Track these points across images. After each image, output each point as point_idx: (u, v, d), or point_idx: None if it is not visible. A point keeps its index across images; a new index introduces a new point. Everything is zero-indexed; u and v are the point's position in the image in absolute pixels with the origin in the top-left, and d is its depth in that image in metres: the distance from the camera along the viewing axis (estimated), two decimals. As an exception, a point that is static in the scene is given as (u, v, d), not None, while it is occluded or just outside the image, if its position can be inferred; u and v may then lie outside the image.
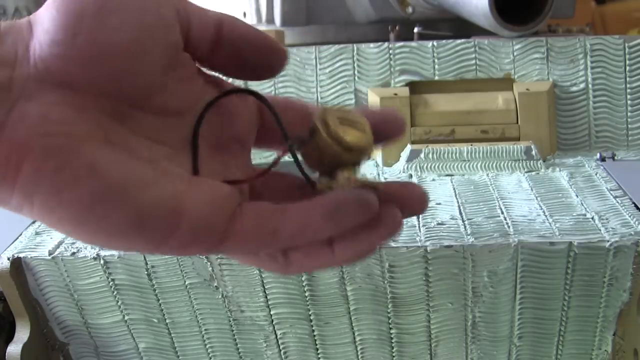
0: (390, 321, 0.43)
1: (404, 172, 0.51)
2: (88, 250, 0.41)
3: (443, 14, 0.67)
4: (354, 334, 0.44)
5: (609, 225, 0.41)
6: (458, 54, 0.55)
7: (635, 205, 0.43)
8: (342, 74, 0.56)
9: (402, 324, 0.43)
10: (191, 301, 0.43)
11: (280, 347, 0.45)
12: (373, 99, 0.54)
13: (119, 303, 0.43)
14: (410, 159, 0.51)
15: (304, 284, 0.42)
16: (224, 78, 0.29)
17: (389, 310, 0.43)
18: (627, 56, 0.54)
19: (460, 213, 0.43)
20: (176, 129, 0.27)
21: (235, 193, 0.27)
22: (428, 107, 0.54)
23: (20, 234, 0.44)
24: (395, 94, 0.53)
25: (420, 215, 0.43)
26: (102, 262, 0.41)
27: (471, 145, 0.51)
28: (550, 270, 0.40)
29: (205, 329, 0.45)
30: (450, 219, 0.43)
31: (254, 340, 0.45)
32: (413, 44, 0.56)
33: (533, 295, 0.42)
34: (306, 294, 0.42)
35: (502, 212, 0.43)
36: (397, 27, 0.68)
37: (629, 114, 0.54)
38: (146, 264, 0.42)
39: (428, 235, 0.41)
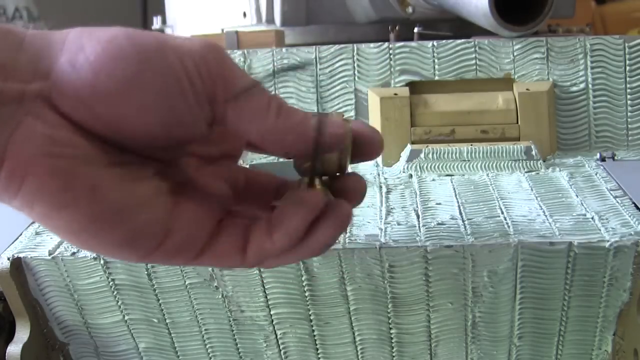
0: (390, 321, 0.43)
1: (404, 172, 0.51)
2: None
3: (443, 14, 0.67)
4: (354, 334, 0.44)
5: (609, 225, 0.41)
6: (458, 54, 0.55)
7: (635, 205, 0.43)
8: (342, 74, 0.56)
9: (402, 324, 0.44)
10: (191, 301, 0.43)
11: (280, 347, 0.45)
12: (373, 99, 0.54)
13: (119, 303, 0.43)
14: (410, 159, 0.51)
15: (304, 284, 0.42)
16: None
17: (389, 310, 0.43)
18: (627, 56, 0.54)
19: (460, 213, 0.43)
20: (171, 150, 0.29)
21: (216, 210, 0.29)
22: (428, 107, 0.54)
23: (20, 234, 0.44)
24: (395, 94, 0.53)
25: (421, 216, 0.43)
26: (102, 262, 0.41)
27: (471, 145, 0.51)
28: (550, 270, 0.40)
29: (205, 329, 0.45)
30: (450, 219, 0.43)
31: (254, 340, 0.45)
32: (413, 44, 0.56)
33: (533, 295, 0.42)
34: (306, 294, 0.42)
35: (502, 212, 0.43)
36: (397, 27, 0.67)
37: (629, 114, 0.54)
38: (146, 264, 0.42)
39: (428, 235, 0.41)
